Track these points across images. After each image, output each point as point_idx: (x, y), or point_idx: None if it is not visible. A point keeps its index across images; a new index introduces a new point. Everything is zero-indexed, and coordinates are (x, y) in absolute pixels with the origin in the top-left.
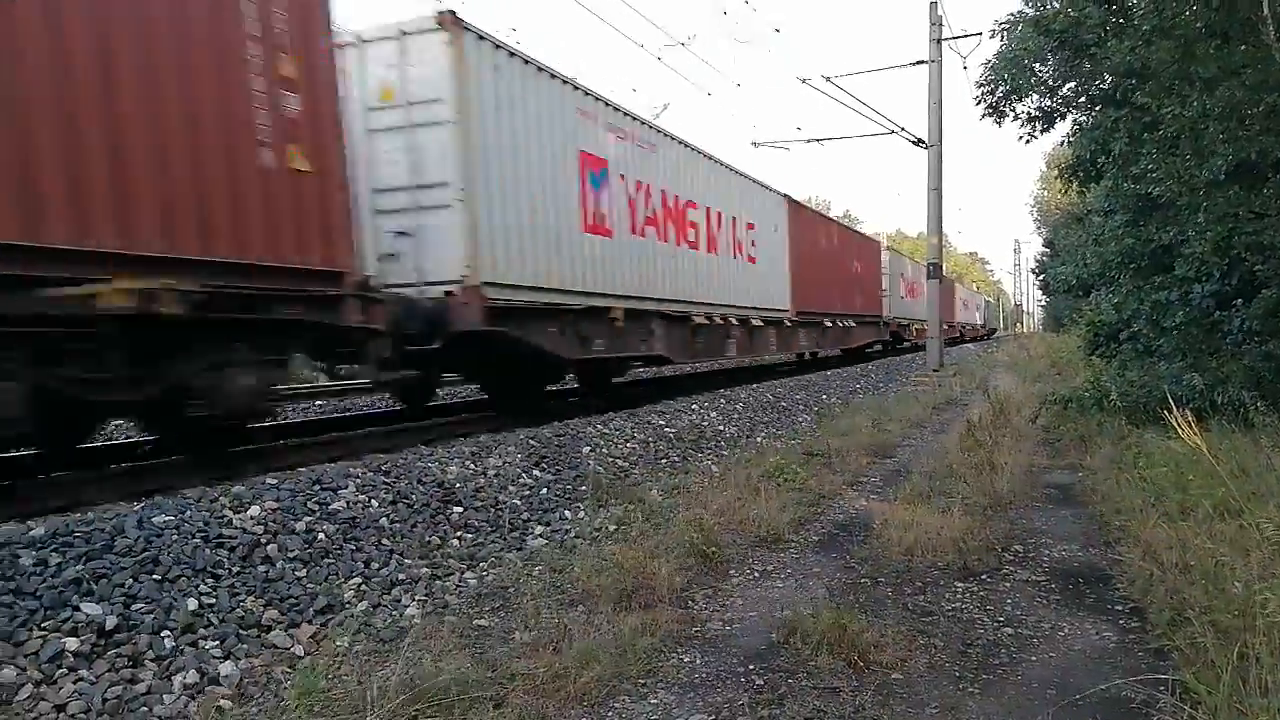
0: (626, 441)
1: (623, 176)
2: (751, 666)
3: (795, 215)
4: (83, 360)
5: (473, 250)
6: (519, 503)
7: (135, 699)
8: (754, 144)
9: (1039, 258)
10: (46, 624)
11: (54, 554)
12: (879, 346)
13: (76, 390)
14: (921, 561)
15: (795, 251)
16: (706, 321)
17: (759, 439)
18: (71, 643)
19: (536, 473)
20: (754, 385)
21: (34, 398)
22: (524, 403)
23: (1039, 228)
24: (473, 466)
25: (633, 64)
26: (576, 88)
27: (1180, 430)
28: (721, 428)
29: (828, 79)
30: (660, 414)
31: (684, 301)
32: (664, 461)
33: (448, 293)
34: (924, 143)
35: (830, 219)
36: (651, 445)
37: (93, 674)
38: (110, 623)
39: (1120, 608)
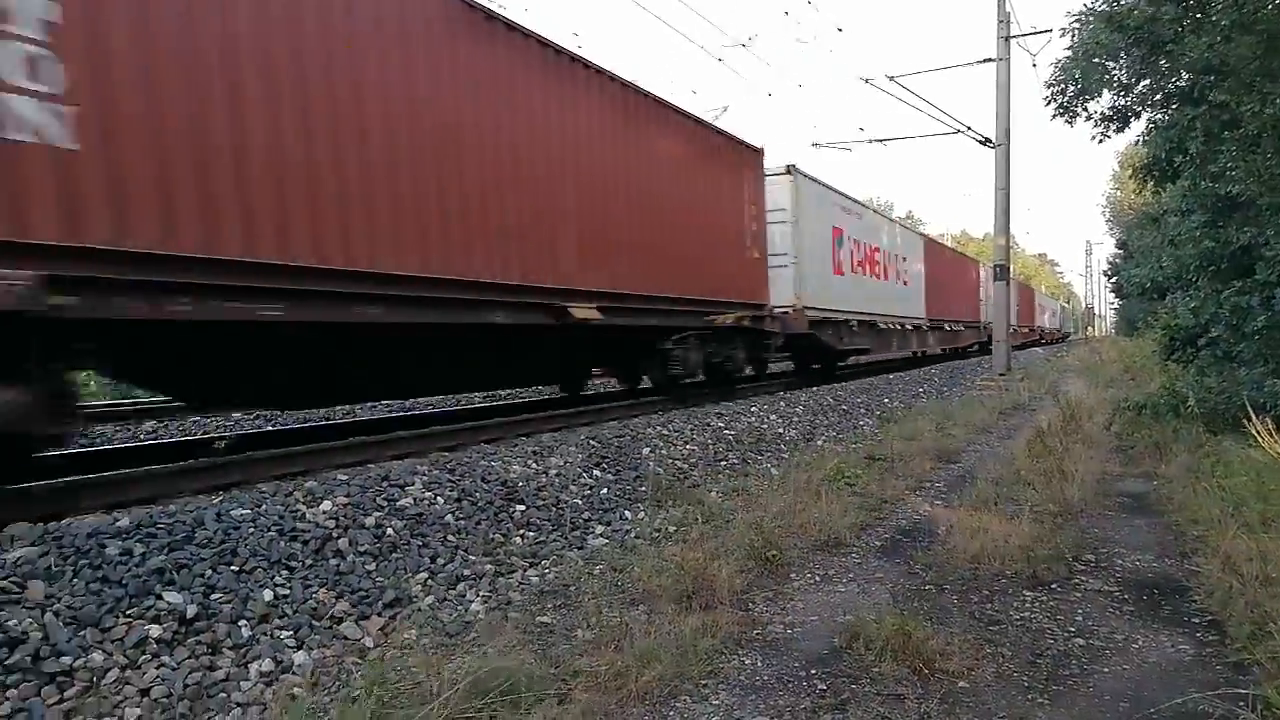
0: (686, 444)
1: (848, 237)
2: (813, 671)
3: (928, 247)
4: (712, 346)
5: (798, 288)
6: (580, 502)
7: (214, 685)
8: (814, 144)
9: (1111, 259)
10: (131, 611)
11: (138, 544)
12: (976, 346)
13: (711, 358)
14: (988, 569)
15: (926, 274)
16: (885, 327)
17: (819, 442)
18: (154, 629)
19: (597, 473)
20: (814, 389)
21: (703, 361)
22: (812, 374)
23: (1111, 228)
24: (535, 466)
25: (693, 65)
26: (831, 189)
27: (1261, 438)
28: (781, 430)
29: (891, 78)
30: (719, 416)
31: (876, 315)
32: (723, 464)
33: (784, 311)
34: (991, 142)
35: (944, 245)
36: (710, 447)
37: (174, 660)
38: (191, 611)
39: (1197, 620)
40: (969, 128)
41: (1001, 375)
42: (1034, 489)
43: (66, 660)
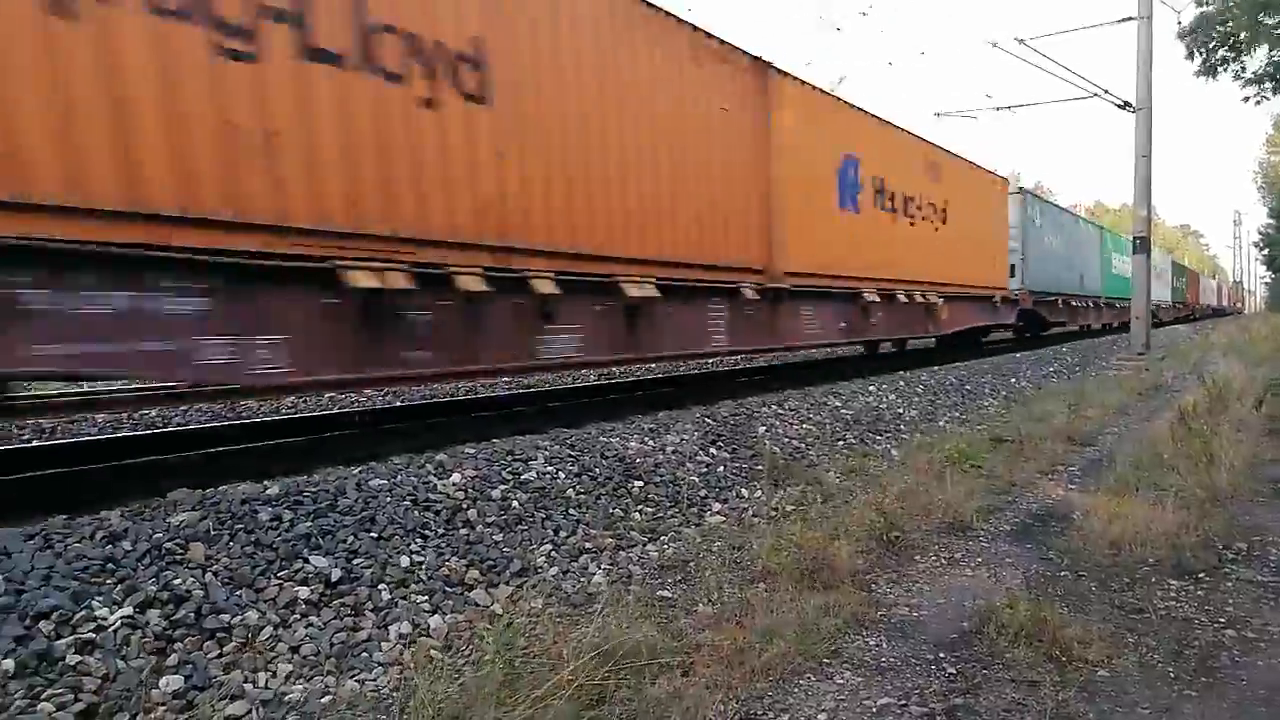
0: (802, 423)
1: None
2: (942, 654)
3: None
4: None
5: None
6: (696, 479)
7: (357, 645)
8: (937, 114)
9: (1264, 230)
10: (282, 573)
11: (286, 511)
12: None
13: None
14: (1129, 556)
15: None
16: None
17: (941, 423)
18: (303, 591)
19: (713, 450)
20: (935, 368)
21: None
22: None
23: (1264, 196)
24: (651, 443)
25: (811, 36)
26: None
27: None
28: (901, 410)
29: (1021, 41)
30: (836, 395)
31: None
32: (840, 444)
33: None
34: (1131, 106)
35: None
36: (827, 427)
37: (321, 620)
38: (335, 575)
39: None
40: (1106, 91)
41: (1141, 354)
42: (1178, 474)
43: (225, 618)
